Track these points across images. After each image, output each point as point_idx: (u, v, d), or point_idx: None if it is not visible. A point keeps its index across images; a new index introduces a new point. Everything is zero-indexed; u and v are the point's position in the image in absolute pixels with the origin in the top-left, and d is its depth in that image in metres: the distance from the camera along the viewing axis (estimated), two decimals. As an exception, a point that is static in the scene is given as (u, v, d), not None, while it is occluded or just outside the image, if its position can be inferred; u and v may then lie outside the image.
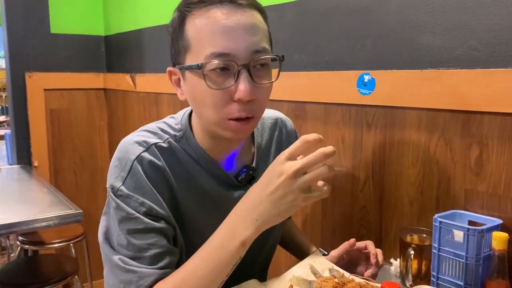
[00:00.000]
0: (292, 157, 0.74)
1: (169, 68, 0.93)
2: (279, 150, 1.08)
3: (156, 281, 0.82)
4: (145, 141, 0.90)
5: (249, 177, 1.00)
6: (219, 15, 0.81)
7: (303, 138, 0.74)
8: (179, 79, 0.91)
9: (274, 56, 0.87)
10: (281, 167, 0.73)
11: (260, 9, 0.87)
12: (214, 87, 0.82)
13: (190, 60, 0.85)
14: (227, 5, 0.82)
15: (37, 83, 2.67)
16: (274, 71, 0.88)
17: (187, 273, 0.81)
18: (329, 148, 0.72)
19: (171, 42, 0.90)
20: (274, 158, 1.05)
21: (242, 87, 0.81)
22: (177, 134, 0.95)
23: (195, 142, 0.94)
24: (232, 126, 0.86)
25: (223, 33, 0.81)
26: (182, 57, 0.87)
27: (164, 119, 1.00)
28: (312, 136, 0.73)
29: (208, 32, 0.81)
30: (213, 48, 0.81)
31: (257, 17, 0.85)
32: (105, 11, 2.88)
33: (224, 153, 0.97)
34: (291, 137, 1.14)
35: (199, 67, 0.81)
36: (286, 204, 0.73)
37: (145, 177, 0.87)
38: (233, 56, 0.81)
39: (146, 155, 0.88)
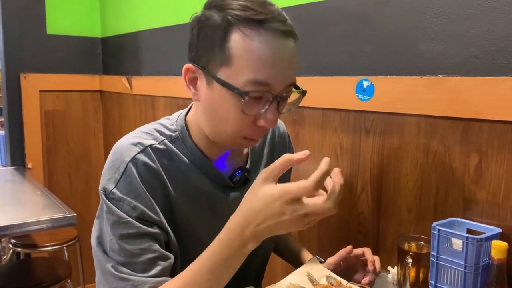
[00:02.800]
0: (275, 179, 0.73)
1: (189, 66, 0.86)
2: (271, 152, 1.09)
3: None
4: (140, 143, 0.89)
5: (244, 178, 0.99)
6: (270, 42, 0.79)
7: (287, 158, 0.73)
8: (195, 79, 0.87)
9: (302, 90, 0.89)
10: (282, 198, 0.71)
11: (297, 37, 0.85)
12: (248, 113, 0.82)
13: (225, 74, 0.81)
14: (277, 33, 0.80)
15: (32, 84, 2.65)
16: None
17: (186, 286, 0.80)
18: (331, 203, 0.71)
19: (200, 40, 0.84)
20: (266, 160, 1.07)
21: (271, 117, 0.83)
22: (173, 134, 0.93)
23: (191, 142, 0.93)
24: (243, 143, 0.89)
25: (269, 63, 0.80)
26: (215, 65, 0.82)
27: (159, 120, 0.98)
28: (297, 155, 0.72)
29: (255, 57, 0.79)
30: (257, 75, 0.79)
31: (294, 47, 0.84)
32: (102, 12, 2.87)
33: (219, 154, 0.96)
34: (283, 139, 1.15)
35: (242, 93, 0.79)
36: (283, 227, 0.73)
37: (139, 180, 0.85)
38: (271, 87, 0.81)
39: (141, 157, 0.87)
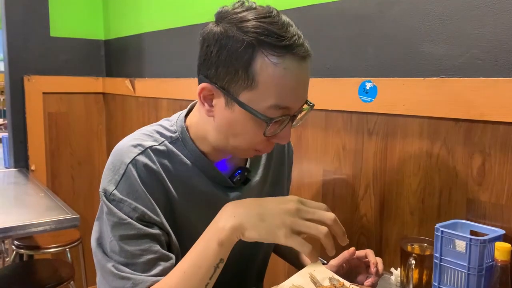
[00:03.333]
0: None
1: (206, 85, 0.84)
2: (270, 153, 1.10)
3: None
4: (140, 144, 0.89)
5: (244, 178, 1.00)
6: (294, 69, 0.80)
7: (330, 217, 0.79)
8: (212, 95, 0.86)
9: (311, 104, 0.90)
10: (292, 199, 0.78)
11: (311, 56, 0.86)
12: (268, 135, 0.84)
13: (248, 98, 0.81)
14: (300, 58, 0.80)
15: (36, 86, 2.66)
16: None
17: (173, 277, 0.81)
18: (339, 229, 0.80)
19: (222, 60, 0.81)
20: (266, 161, 1.07)
21: (286, 135, 0.86)
22: (173, 135, 0.94)
23: (191, 144, 0.93)
24: (251, 154, 0.92)
25: (292, 89, 0.81)
26: (237, 88, 0.81)
27: (159, 122, 0.99)
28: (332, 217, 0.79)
29: (281, 84, 0.80)
30: (279, 101, 0.80)
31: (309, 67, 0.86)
32: (105, 15, 2.88)
33: (220, 157, 0.97)
34: None
35: (267, 120, 0.81)
36: (269, 222, 0.76)
37: (139, 181, 0.85)
38: (290, 109, 0.83)
39: (141, 158, 0.87)
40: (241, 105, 0.81)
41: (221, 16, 0.83)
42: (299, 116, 0.89)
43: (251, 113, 0.81)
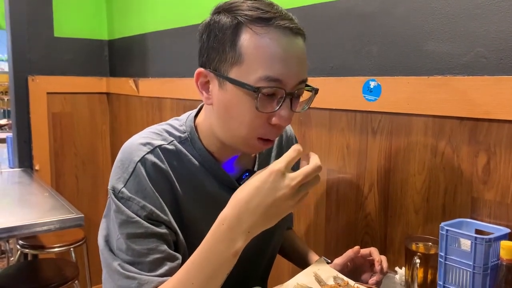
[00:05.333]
0: (288, 169, 0.76)
1: (201, 70, 0.87)
2: (279, 155, 1.07)
3: None
4: (149, 143, 0.89)
5: None
6: (280, 39, 0.80)
7: (297, 148, 0.78)
8: (207, 82, 0.87)
9: (315, 88, 0.89)
10: (281, 182, 0.75)
11: (305, 37, 0.87)
12: (262, 110, 0.81)
13: (237, 74, 0.81)
14: (287, 31, 0.81)
15: (40, 86, 2.66)
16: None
17: (179, 285, 0.80)
18: (317, 158, 0.77)
19: (211, 42, 0.84)
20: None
21: (285, 114, 0.83)
22: (182, 135, 0.94)
23: (200, 144, 0.93)
24: (256, 145, 0.88)
25: (280, 59, 0.80)
26: (226, 66, 0.82)
27: (168, 121, 0.99)
28: (298, 146, 0.78)
29: (267, 54, 0.80)
30: (268, 72, 0.80)
31: (304, 46, 0.86)
32: (109, 15, 2.89)
33: (228, 156, 0.96)
34: (291, 142, 1.15)
35: (254, 89, 0.80)
36: (279, 214, 0.77)
37: (147, 180, 0.86)
38: (284, 83, 0.81)
39: (150, 157, 0.87)
40: (231, 81, 0.82)
41: (213, 9, 0.87)
42: (302, 99, 0.88)
43: (240, 86, 0.81)
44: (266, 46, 0.79)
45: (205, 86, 0.88)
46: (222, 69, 0.83)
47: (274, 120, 0.83)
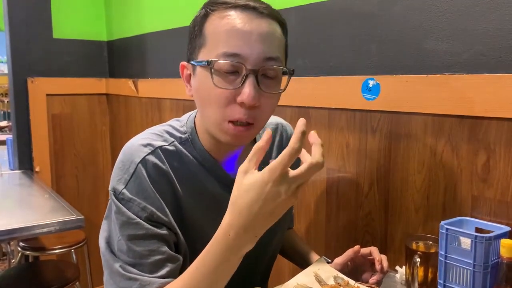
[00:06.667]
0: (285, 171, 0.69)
1: (182, 63, 0.93)
2: (278, 154, 1.07)
3: None
4: (150, 144, 0.89)
5: None
6: (239, 17, 0.83)
7: (294, 147, 0.67)
8: (190, 75, 0.91)
9: (284, 69, 0.87)
10: (281, 186, 0.68)
11: (281, 21, 0.88)
12: (220, 86, 0.82)
13: (203, 56, 0.85)
14: (249, 11, 0.83)
15: (39, 88, 2.66)
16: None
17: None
18: (319, 152, 0.68)
19: (190, 38, 0.90)
20: None
21: (247, 90, 0.81)
22: (183, 136, 0.94)
23: (200, 144, 0.93)
24: (230, 130, 0.85)
25: (238, 35, 0.82)
26: (196, 53, 0.87)
27: (169, 122, 0.99)
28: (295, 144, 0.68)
29: (224, 31, 0.82)
30: (226, 48, 0.81)
31: (275, 28, 0.86)
32: (107, 16, 2.88)
33: (225, 154, 0.96)
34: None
35: (209, 63, 0.82)
36: (281, 213, 0.71)
37: (148, 181, 0.86)
38: (244, 58, 0.81)
39: (151, 158, 0.87)
40: (195, 63, 0.86)
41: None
42: (270, 75, 0.85)
43: (200, 64, 0.85)
44: (224, 24, 0.83)
45: (188, 78, 0.93)
46: (193, 57, 0.88)
47: (238, 98, 0.82)
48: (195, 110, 0.99)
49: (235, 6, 0.84)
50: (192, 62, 0.88)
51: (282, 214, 0.73)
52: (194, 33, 0.88)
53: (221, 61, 0.81)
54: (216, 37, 0.83)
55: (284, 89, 0.89)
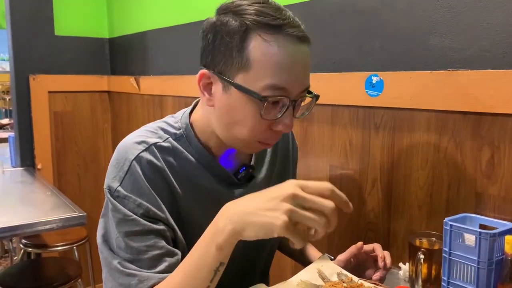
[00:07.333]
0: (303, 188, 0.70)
1: (204, 72, 0.86)
2: (274, 150, 1.10)
3: (155, 285, 0.81)
4: (144, 141, 0.89)
5: (248, 175, 1.00)
6: (288, 47, 0.80)
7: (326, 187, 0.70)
8: (210, 84, 0.87)
9: (316, 95, 0.89)
10: (294, 183, 0.70)
11: (310, 43, 0.86)
12: (266, 118, 0.82)
13: (243, 80, 0.81)
14: (294, 38, 0.81)
15: (41, 85, 2.66)
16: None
17: (175, 278, 0.79)
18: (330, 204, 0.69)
19: (217, 45, 0.83)
20: (271, 158, 1.06)
21: (287, 121, 0.84)
22: (177, 132, 0.94)
23: (195, 140, 0.93)
24: (256, 147, 0.89)
25: (287, 68, 0.80)
26: (233, 71, 0.82)
27: (164, 119, 0.99)
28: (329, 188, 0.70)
29: (274, 62, 0.80)
30: (275, 80, 0.80)
31: (309, 53, 0.85)
32: (109, 13, 2.88)
33: (223, 151, 0.96)
34: (286, 137, 1.15)
35: (261, 98, 0.80)
36: (265, 217, 0.68)
37: (143, 178, 0.86)
38: (288, 91, 0.81)
39: (145, 155, 0.87)
40: (237, 87, 0.81)
41: (219, 9, 0.86)
42: (303, 104, 0.89)
43: (246, 92, 0.80)
44: (274, 54, 0.79)
45: (207, 87, 0.87)
46: (227, 73, 0.82)
47: (277, 127, 0.85)
48: (190, 106, 0.99)
49: (281, 31, 0.79)
50: (229, 80, 0.82)
51: (257, 222, 0.69)
52: (229, 46, 0.81)
53: (270, 96, 0.80)
54: (264, 67, 0.80)
55: (309, 112, 0.91)
